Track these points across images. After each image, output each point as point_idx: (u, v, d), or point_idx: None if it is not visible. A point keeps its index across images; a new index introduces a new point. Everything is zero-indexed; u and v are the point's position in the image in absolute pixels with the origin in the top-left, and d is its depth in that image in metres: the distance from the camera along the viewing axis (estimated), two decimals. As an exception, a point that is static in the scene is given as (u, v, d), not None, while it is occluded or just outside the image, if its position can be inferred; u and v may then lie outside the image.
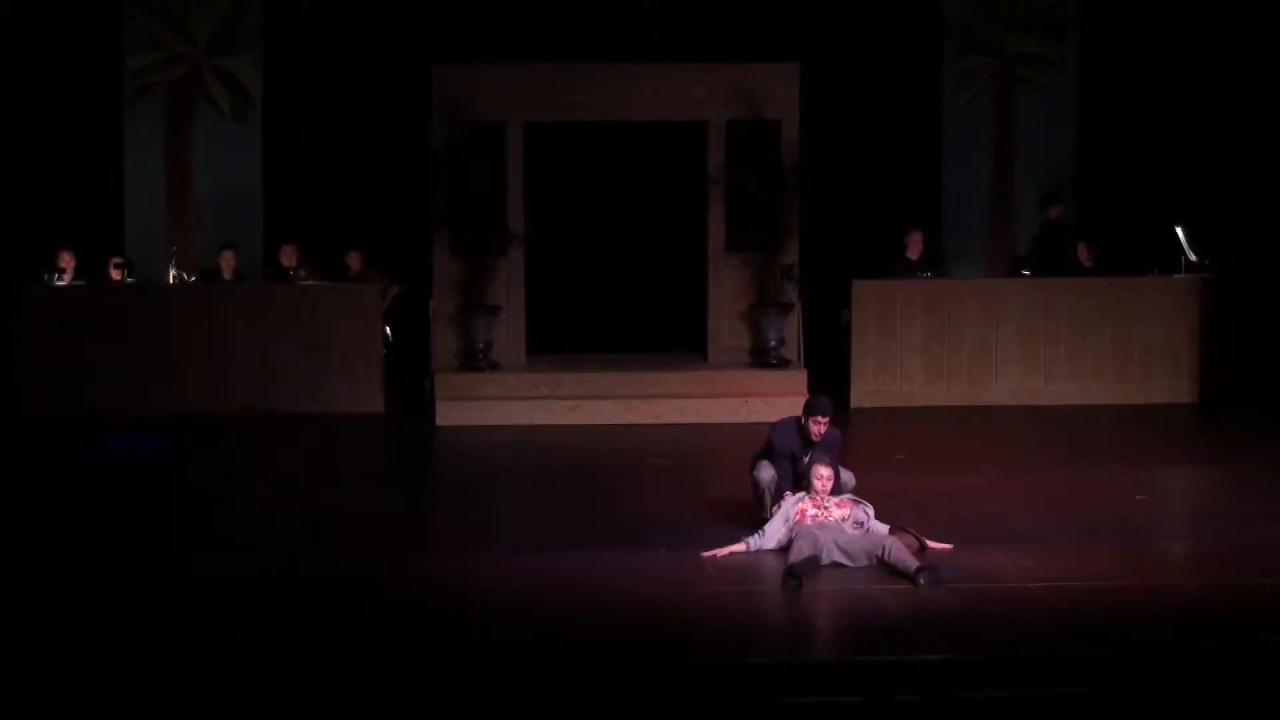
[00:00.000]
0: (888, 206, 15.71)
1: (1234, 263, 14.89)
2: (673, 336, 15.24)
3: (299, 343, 14.35)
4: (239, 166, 15.99)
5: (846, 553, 8.89)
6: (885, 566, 8.81)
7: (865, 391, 14.61)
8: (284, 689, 7.38)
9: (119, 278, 14.90)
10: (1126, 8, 16.29)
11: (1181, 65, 16.09)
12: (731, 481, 10.56)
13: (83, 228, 15.42)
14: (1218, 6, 15.99)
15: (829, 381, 13.75)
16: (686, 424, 13.79)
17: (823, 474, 9.19)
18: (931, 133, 16.53)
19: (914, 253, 15.22)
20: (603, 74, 14.75)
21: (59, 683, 7.27)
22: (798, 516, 9.13)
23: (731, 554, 9.13)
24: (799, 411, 9.85)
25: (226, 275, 15.06)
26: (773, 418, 10.34)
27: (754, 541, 9.18)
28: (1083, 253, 15.46)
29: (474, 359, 14.46)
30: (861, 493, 9.44)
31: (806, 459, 9.57)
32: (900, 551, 8.82)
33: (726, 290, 14.92)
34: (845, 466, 9.53)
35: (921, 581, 8.57)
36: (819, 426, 9.66)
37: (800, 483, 9.45)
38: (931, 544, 9.21)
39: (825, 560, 8.81)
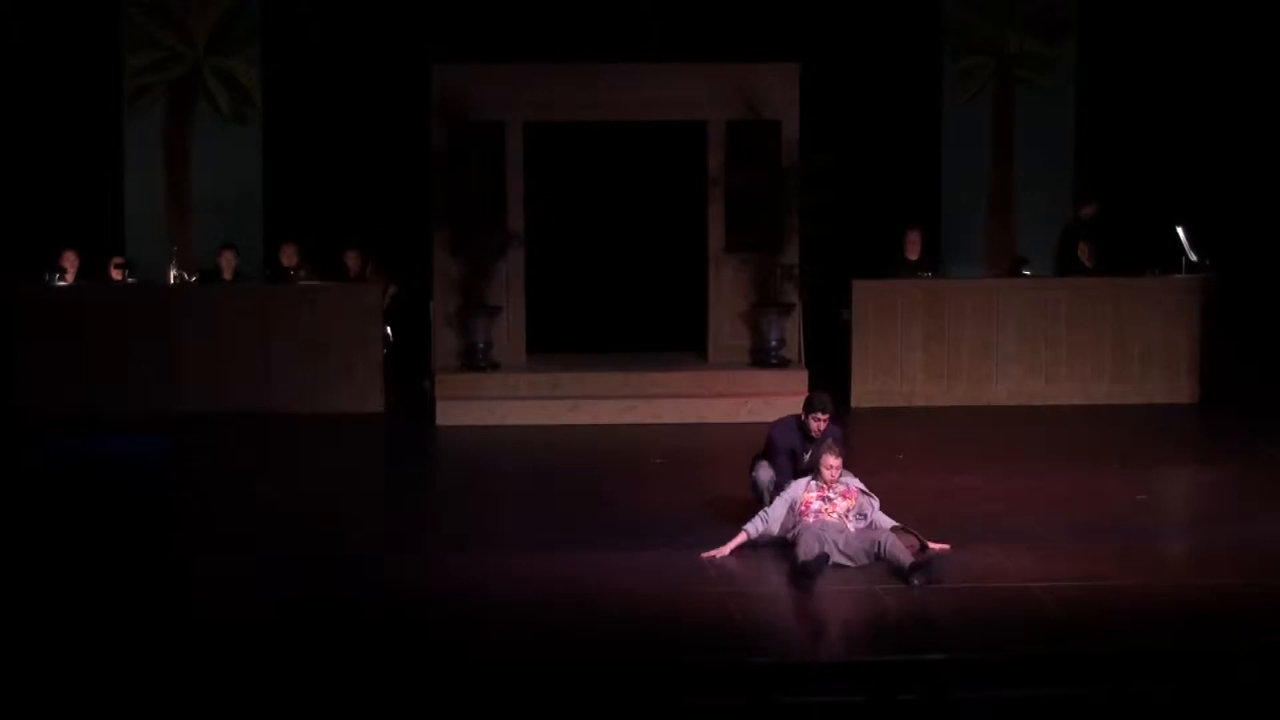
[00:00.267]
0: (887, 206, 15.71)
1: (1234, 263, 14.89)
2: (673, 336, 15.24)
3: (299, 343, 14.34)
4: (239, 166, 15.99)
5: (847, 554, 8.90)
6: (881, 562, 8.81)
7: (865, 391, 14.61)
8: (284, 689, 7.38)
9: (120, 278, 14.90)
10: (1126, 8, 16.29)
11: (1181, 65, 16.09)
12: (731, 481, 10.57)
13: (83, 228, 15.42)
14: (1217, 6, 15.99)
15: (829, 381, 13.73)
16: (686, 424, 13.78)
17: (832, 463, 9.18)
18: (931, 132, 16.53)
19: (912, 252, 15.23)
20: (602, 74, 14.75)
21: (59, 682, 7.27)
22: (802, 507, 9.11)
23: (734, 549, 9.11)
24: (799, 411, 9.86)
25: (226, 275, 15.06)
26: (772, 418, 10.35)
27: (756, 526, 9.16)
28: (1083, 253, 15.48)
29: (474, 359, 14.46)
30: (861, 493, 9.45)
31: (808, 456, 9.58)
32: (895, 548, 8.83)
33: (726, 290, 14.91)
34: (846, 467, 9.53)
35: (915, 581, 8.58)
36: (819, 423, 9.67)
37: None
38: (932, 545, 9.21)
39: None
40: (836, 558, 8.86)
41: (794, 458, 9.72)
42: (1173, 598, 8.47)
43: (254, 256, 15.67)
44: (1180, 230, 14.86)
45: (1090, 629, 7.99)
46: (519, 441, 13.28)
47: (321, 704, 7.32)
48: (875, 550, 8.88)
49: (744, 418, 13.40)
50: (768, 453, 9.87)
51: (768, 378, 14.26)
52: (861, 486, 9.32)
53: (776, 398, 13.23)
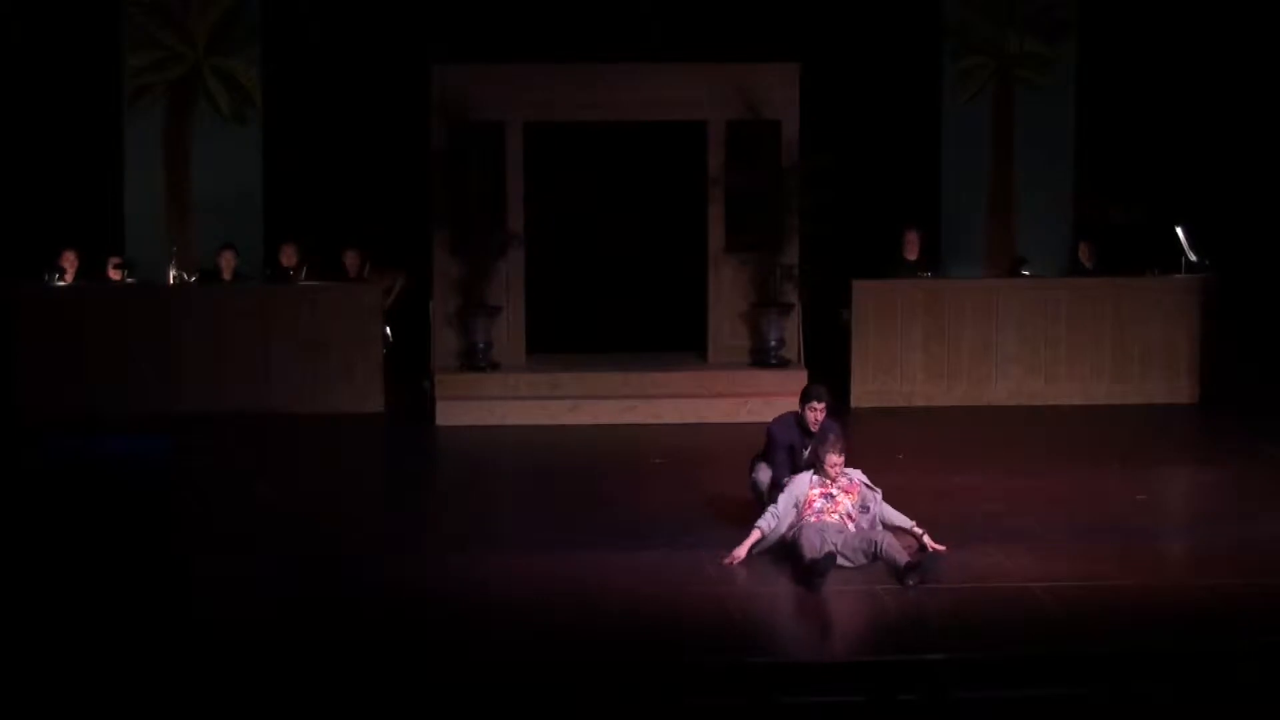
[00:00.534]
0: (887, 206, 15.71)
1: (1234, 263, 14.89)
2: (673, 336, 15.24)
3: (299, 343, 14.34)
4: (239, 166, 15.98)
5: (845, 554, 8.90)
6: (879, 563, 8.81)
7: (865, 391, 14.61)
8: (284, 689, 7.38)
9: (119, 278, 14.90)
10: (1126, 8, 16.29)
11: (1181, 65, 16.09)
12: (731, 481, 10.57)
13: (83, 228, 15.42)
14: (1217, 7, 15.99)
15: (829, 381, 13.71)
16: (686, 424, 13.78)
17: (834, 460, 9.16)
18: (931, 133, 16.53)
19: (911, 253, 15.23)
20: (602, 74, 14.75)
21: (59, 682, 7.27)
22: (805, 505, 9.09)
23: (750, 547, 9.08)
24: (797, 408, 9.89)
25: (226, 275, 15.06)
26: (772, 418, 10.34)
27: (768, 522, 9.12)
28: (1083, 253, 15.48)
29: (474, 359, 14.46)
30: (863, 493, 9.45)
31: (807, 451, 9.59)
32: (892, 549, 8.83)
33: (726, 290, 14.91)
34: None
35: (910, 582, 8.59)
36: (816, 413, 9.70)
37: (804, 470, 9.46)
38: (932, 546, 9.20)
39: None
40: (837, 559, 8.85)
41: (793, 453, 9.72)
42: (1173, 598, 8.47)
43: (254, 256, 15.67)
44: (1180, 230, 14.86)
45: (1090, 629, 7.99)
46: (519, 441, 13.28)
47: (321, 704, 7.31)
48: (873, 551, 8.88)
49: (744, 418, 13.40)
50: (767, 449, 9.88)
51: (768, 378, 14.26)
52: (865, 480, 9.32)
53: (776, 398, 13.21)
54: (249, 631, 7.94)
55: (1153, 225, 15.34)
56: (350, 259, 15.24)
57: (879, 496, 9.28)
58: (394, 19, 15.82)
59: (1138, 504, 10.77)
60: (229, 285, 14.92)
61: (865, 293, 14.70)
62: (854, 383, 14.59)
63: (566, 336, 15.19)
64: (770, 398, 13.44)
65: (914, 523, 9.27)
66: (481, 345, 14.44)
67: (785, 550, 9.00)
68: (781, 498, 9.21)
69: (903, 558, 8.73)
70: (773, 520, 9.13)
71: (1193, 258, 14.83)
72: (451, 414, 13.90)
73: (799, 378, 14.00)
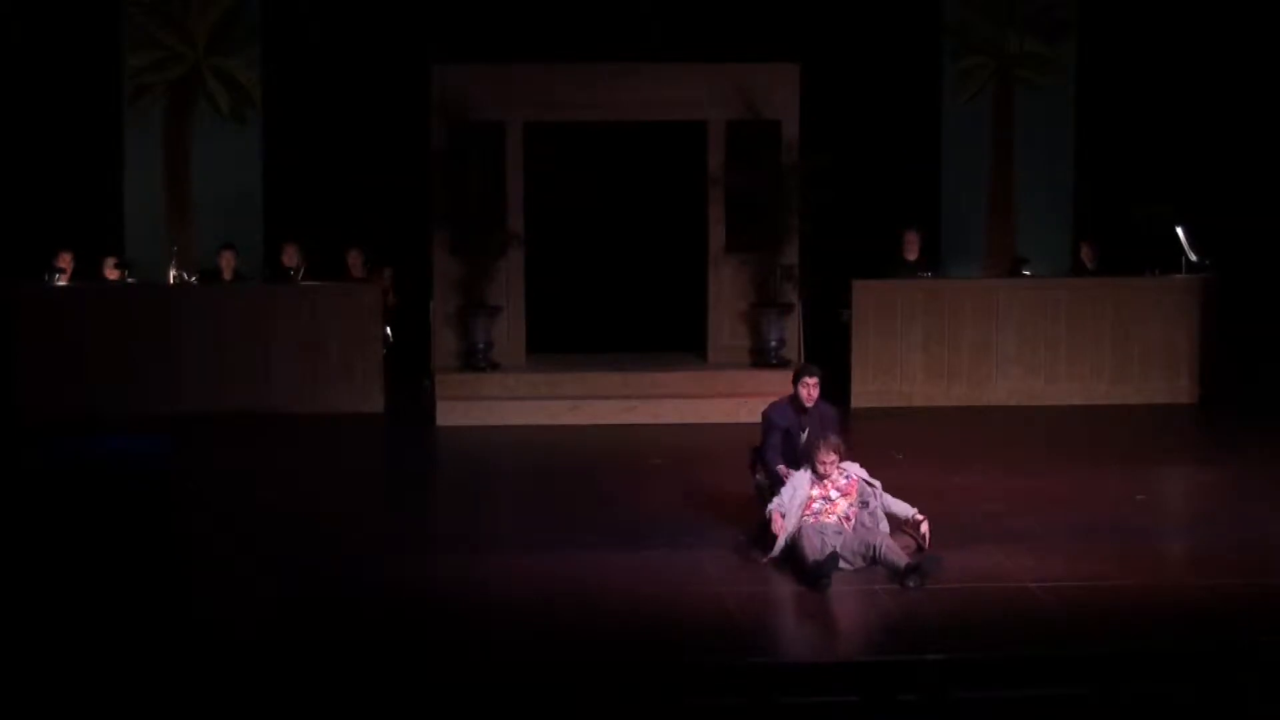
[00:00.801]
0: (887, 206, 15.71)
1: (1234, 263, 14.90)
2: (673, 336, 15.25)
3: (299, 343, 14.34)
4: (239, 166, 15.99)
5: (844, 556, 8.89)
6: (878, 565, 8.81)
7: (865, 391, 14.61)
8: (284, 689, 7.38)
9: (115, 277, 14.90)
10: (1126, 8, 16.30)
11: (1181, 65, 16.10)
12: (731, 481, 10.57)
13: (82, 228, 15.43)
14: (1217, 6, 16.00)
15: (829, 381, 13.72)
16: (686, 424, 13.78)
17: (826, 459, 9.14)
18: (931, 133, 16.54)
19: (911, 253, 15.23)
20: (603, 74, 14.75)
21: (60, 682, 7.27)
22: (805, 505, 9.08)
23: (781, 537, 9.01)
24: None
25: (226, 275, 15.07)
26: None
27: (780, 506, 9.08)
28: (1084, 253, 15.48)
29: (474, 359, 14.47)
30: (863, 493, 9.44)
31: (805, 433, 9.57)
32: (891, 551, 8.82)
33: (726, 290, 14.92)
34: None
35: (910, 584, 8.58)
36: (809, 389, 9.73)
37: (800, 460, 9.44)
38: (925, 534, 9.18)
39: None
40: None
41: (790, 436, 9.69)
42: (1173, 598, 8.47)
43: (254, 256, 15.68)
44: (1180, 230, 14.86)
45: (1090, 629, 7.99)
46: (519, 441, 13.28)
47: (321, 704, 7.31)
48: (871, 554, 8.87)
49: (744, 418, 13.31)
50: (764, 434, 9.85)
51: (768, 378, 14.24)
52: (864, 475, 9.28)
53: (776, 398, 13.19)
54: (249, 631, 7.93)
55: (1176, 220, 15.30)
56: (353, 258, 15.24)
57: (879, 489, 9.26)
58: (394, 19, 15.83)
59: (1138, 504, 10.77)
60: (229, 285, 14.93)
61: (865, 293, 14.70)
62: (854, 383, 14.59)
63: (566, 336, 15.19)
64: (770, 398, 13.32)
65: (915, 510, 9.24)
66: (481, 345, 14.44)
67: (786, 553, 8.99)
68: (784, 490, 9.19)
69: (902, 560, 8.72)
70: (782, 503, 9.08)
71: (1193, 258, 14.84)
72: (451, 414, 13.90)
73: (799, 378, 14.02)
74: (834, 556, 8.71)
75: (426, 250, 14.80)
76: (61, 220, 15.43)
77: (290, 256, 15.16)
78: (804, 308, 14.73)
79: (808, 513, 9.07)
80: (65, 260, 14.59)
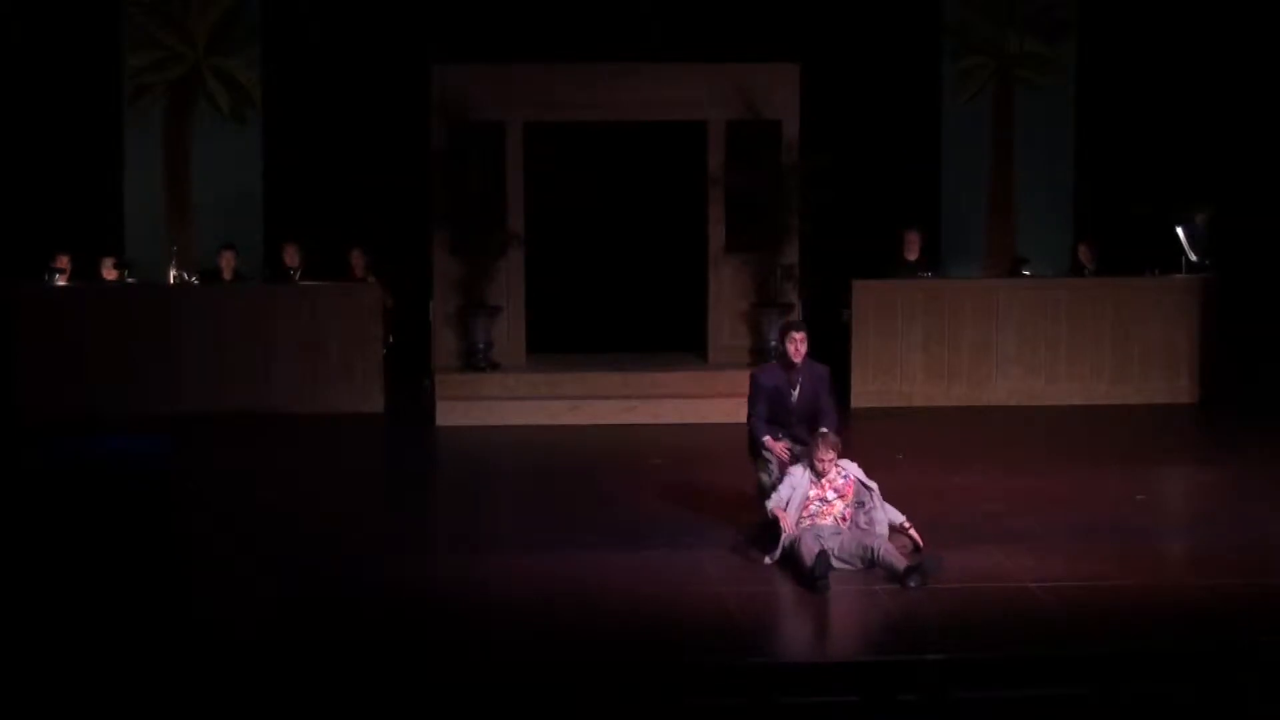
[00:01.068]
0: (887, 206, 15.71)
1: (1234, 263, 14.89)
2: (673, 336, 15.25)
3: (299, 343, 14.34)
4: (239, 166, 16.00)
5: (842, 558, 8.89)
6: (876, 567, 8.80)
7: (865, 391, 14.61)
8: (284, 689, 7.38)
9: (113, 277, 14.89)
10: (1126, 8, 16.30)
11: (1181, 65, 16.10)
12: (731, 481, 10.57)
13: (82, 228, 15.42)
14: (1217, 6, 16.00)
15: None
16: (686, 424, 13.78)
17: (825, 457, 9.13)
18: (931, 133, 16.54)
19: (911, 253, 15.23)
20: (603, 74, 14.76)
21: (60, 683, 7.27)
22: (804, 506, 9.08)
23: (785, 535, 9.01)
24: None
25: (226, 275, 15.07)
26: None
27: (779, 503, 9.07)
28: (1082, 254, 15.48)
29: (474, 359, 14.47)
30: (863, 493, 9.44)
31: (795, 391, 9.58)
32: (889, 554, 8.81)
33: (726, 290, 14.92)
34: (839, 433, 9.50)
35: (910, 584, 8.57)
36: (795, 344, 9.65)
37: (791, 428, 9.44)
38: (916, 539, 9.18)
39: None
40: (833, 561, 8.84)
41: (780, 396, 9.65)
42: (1173, 598, 8.47)
43: (254, 256, 15.69)
44: (1180, 230, 14.86)
45: (1090, 629, 7.99)
46: (519, 441, 13.28)
47: (321, 704, 7.31)
48: (869, 556, 8.86)
49: (744, 418, 13.31)
50: (751, 400, 9.81)
51: (768, 378, 14.24)
52: (861, 476, 9.27)
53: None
54: (249, 631, 7.93)
55: (1168, 218, 15.28)
56: (356, 258, 15.23)
57: (876, 492, 9.25)
58: (394, 19, 15.83)
59: (1138, 504, 10.77)
60: (229, 285, 14.93)
61: (865, 293, 14.70)
62: (854, 383, 14.59)
63: (566, 336, 15.20)
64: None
65: (904, 518, 9.24)
66: (481, 345, 14.45)
67: (786, 555, 8.98)
68: (782, 486, 9.18)
69: (901, 563, 8.71)
70: (780, 500, 9.06)
71: (1193, 258, 14.84)
72: (451, 414, 13.90)
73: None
74: (823, 555, 8.66)
75: (426, 250, 14.80)
76: (61, 220, 15.43)
77: (292, 256, 15.16)
78: (804, 308, 14.72)
79: (805, 514, 9.07)
80: (63, 261, 14.58)
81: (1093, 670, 7.54)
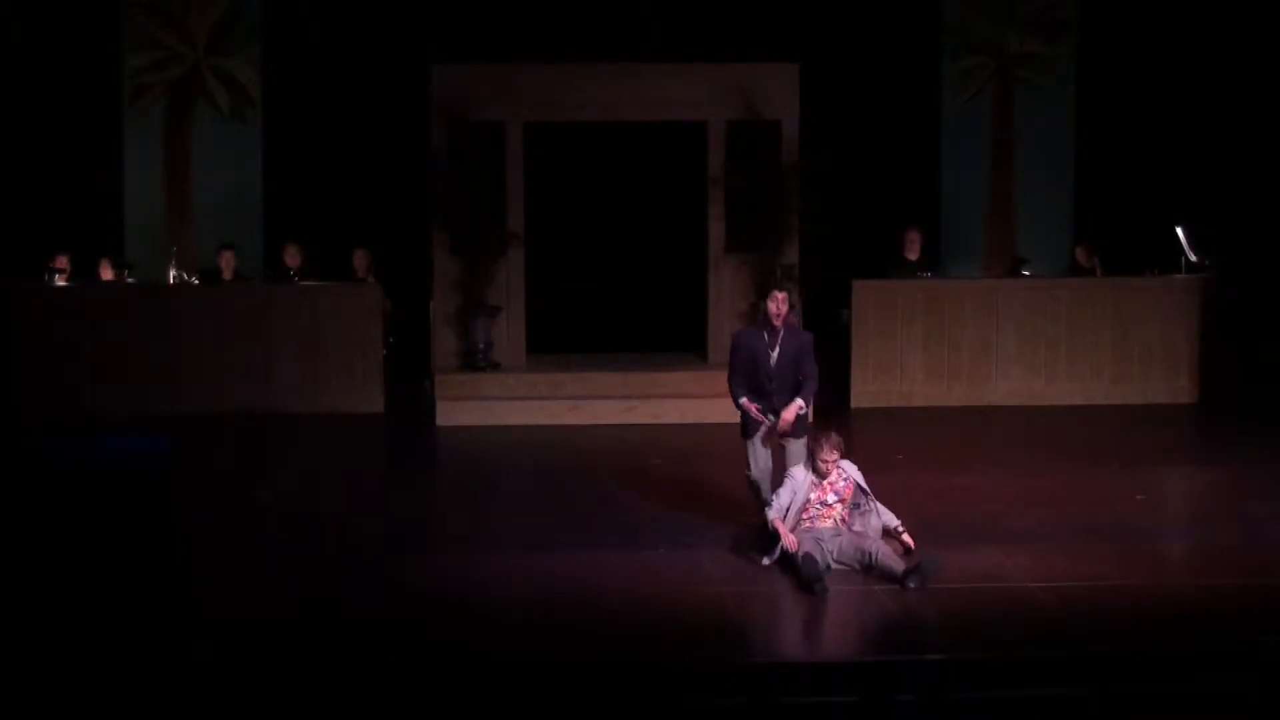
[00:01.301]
0: (887, 206, 15.72)
1: (1234, 263, 14.90)
2: (673, 336, 15.25)
3: (299, 343, 14.34)
4: (239, 166, 15.99)
5: (840, 561, 8.89)
6: (874, 571, 8.78)
7: (865, 391, 14.61)
8: (284, 689, 7.38)
9: (111, 277, 14.89)
10: (1126, 8, 16.30)
11: (1181, 65, 16.10)
12: (731, 481, 10.56)
13: (82, 228, 15.43)
14: (1217, 7, 16.00)
15: (829, 381, 13.74)
16: (686, 424, 13.78)
17: (828, 458, 9.10)
18: (931, 133, 16.54)
19: (912, 252, 15.22)
20: (603, 74, 14.76)
21: (60, 683, 7.27)
22: (803, 508, 9.07)
23: (785, 540, 8.98)
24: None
25: (226, 275, 15.07)
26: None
27: (778, 511, 9.05)
28: (1080, 255, 15.48)
29: (474, 359, 14.47)
30: (863, 493, 9.44)
31: (775, 353, 9.45)
32: (888, 558, 8.80)
33: (726, 290, 14.93)
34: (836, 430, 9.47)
35: (910, 585, 8.57)
36: (776, 304, 9.50)
37: (769, 398, 9.43)
38: (907, 542, 9.17)
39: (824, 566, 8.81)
40: (831, 563, 8.84)
41: (758, 359, 9.51)
42: (1173, 598, 8.47)
43: (254, 256, 15.69)
44: (1180, 230, 14.86)
45: (1090, 629, 7.99)
46: (519, 441, 13.28)
47: (322, 704, 7.31)
48: (867, 560, 8.84)
49: (744, 418, 13.38)
50: (731, 360, 9.69)
51: (768, 378, 14.25)
52: (860, 480, 9.24)
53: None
54: (249, 631, 7.93)
55: (1081, 225, 15.31)
56: (359, 259, 15.23)
57: (872, 498, 9.23)
58: (394, 19, 15.83)
59: (1138, 504, 10.77)
60: (229, 285, 14.93)
61: (865, 293, 14.70)
62: (854, 383, 14.60)
63: (566, 336, 15.20)
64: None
65: (898, 521, 9.24)
66: (481, 345, 14.45)
67: (786, 558, 8.97)
68: (782, 491, 9.17)
69: (899, 566, 8.70)
70: (782, 504, 9.04)
71: (1193, 258, 14.84)
72: (451, 414, 13.90)
73: (799, 378, 14.01)
74: (810, 558, 8.61)
75: (426, 250, 14.80)
76: (61, 220, 15.43)
77: (293, 256, 15.16)
78: (804, 308, 14.72)
79: (805, 516, 9.06)
80: (62, 262, 14.58)
81: (1093, 670, 7.54)
